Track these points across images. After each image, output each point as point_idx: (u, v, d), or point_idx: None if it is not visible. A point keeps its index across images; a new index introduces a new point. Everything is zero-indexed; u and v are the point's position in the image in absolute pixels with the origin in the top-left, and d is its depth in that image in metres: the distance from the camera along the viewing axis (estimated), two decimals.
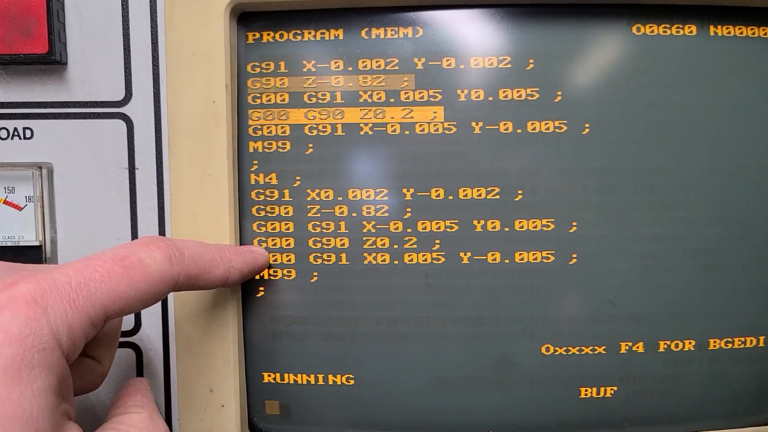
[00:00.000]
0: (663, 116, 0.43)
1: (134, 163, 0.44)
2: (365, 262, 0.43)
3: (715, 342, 0.45)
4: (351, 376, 0.44)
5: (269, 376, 0.45)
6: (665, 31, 0.43)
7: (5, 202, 0.43)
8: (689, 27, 0.43)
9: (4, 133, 0.43)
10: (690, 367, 0.45)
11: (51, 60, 0.42)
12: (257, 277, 0.44)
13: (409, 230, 0.43)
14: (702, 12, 0.43)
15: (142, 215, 0.44)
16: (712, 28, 0.43)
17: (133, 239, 0.44)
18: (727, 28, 0.43)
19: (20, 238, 0.43)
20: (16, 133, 0.44)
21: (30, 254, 0.43)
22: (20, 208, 0.43)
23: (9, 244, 0.43)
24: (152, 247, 0.33)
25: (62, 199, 0.44)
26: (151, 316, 0.45)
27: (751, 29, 0.43)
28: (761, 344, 0.45)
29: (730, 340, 0.45)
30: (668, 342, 0.44)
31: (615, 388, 0.44)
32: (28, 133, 0.44)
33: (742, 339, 0.45)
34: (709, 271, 0.44)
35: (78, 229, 0.44)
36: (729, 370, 0.45)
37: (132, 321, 0.45)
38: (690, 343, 0.44)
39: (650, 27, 0.43)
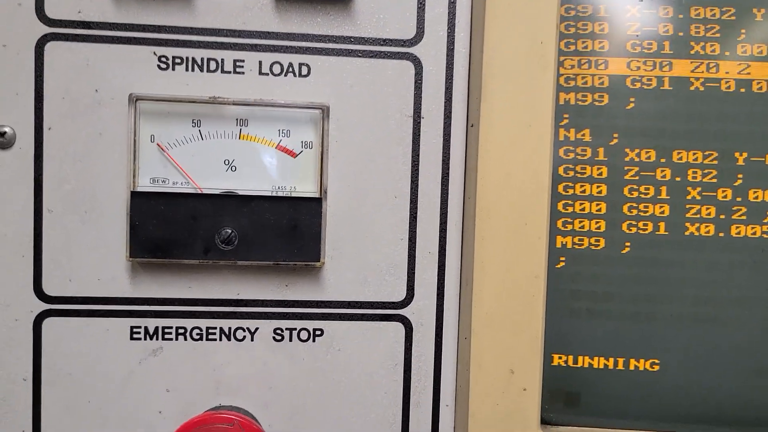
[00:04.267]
0: None
1: (420, 111, 0.39)
2: (686, 234, 0.38)
3: None
4: (656, 361, 0.39)
5: (560, 358, 0.39)
6: None
7: (279, 148, 0.38)
8: None
9: (277, 68, 0.38)
10: None
11: None
12: (558, 245, 0.39)
13: (738, 199, 0.38)
14: None
15: (425, 171, 0.39)
16: None
17: (412, 197, 0.39)
18: None
19: (291, 188, 0.38)
20: (290, 69, 0.38)
21: (310, 208, 0.37)
22: (295, 155, 0.38)
23: (281, 194, 0.38)
24: None
25: (336, 147, 0.39)
26: (427, 285, 0.39)
27: None
28: None
29: None
30: None
31: None
32: (304, 70, 0.38)
33: None
34: None
35: (352, 183, 0.39)
36: None
37: (404, 290, 0.39)
38: None
39: None
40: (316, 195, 0.38)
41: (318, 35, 0.38)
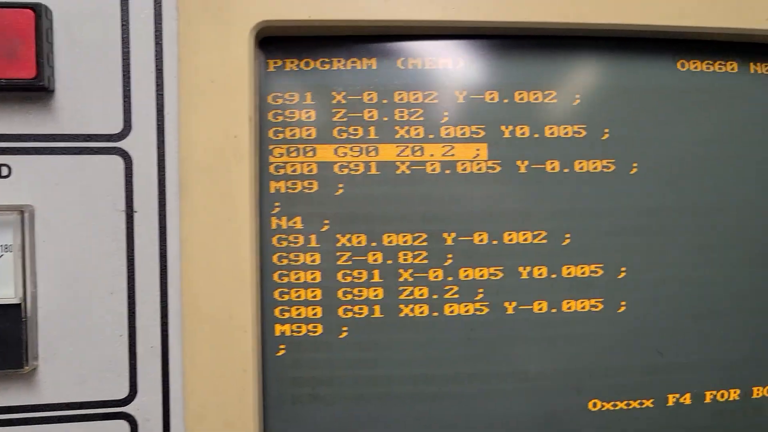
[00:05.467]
0: (709, 153, 0.41)
1: (132, 205, 0.38)
2: (401, 315, 0.39)
3: (758, 390, 0.43)
4: None
5: None
6: (708, 68, 0.41)
7: None
8: (731, 64, 0.41)
9: None
10: (734, 418, 0.42)
11: (38, 86, 0.36)
12: (277, 333, 0.38)
13: (450, 279, 0.39)
14: (742, 49, 0.42)
15: (142, 264, 0.38)
16: (752, 66, 0.42)
17: (129, 293, 0.38)
18: (767, 66, 0.42)
19: None
20: None
21: (8, 315, 0.36)
22: None
23: None
24: None
25: (45, 248, 0.38)
26: (150, 380, 0.39)
27: None
28: None
29: None
30: (714, 392, 0.42)
31: None
32: (4, 171, 0.37)
33: None
34: (757, 316, 0.42)
35: (63, 283, 0.38)
36: None
37: (126, 387, 0.39)
38: (735, 392, 0.42)
39: (694, 63, 0.41)
40: (16, 301, 0.36)
41: (17, 135, 0.37)
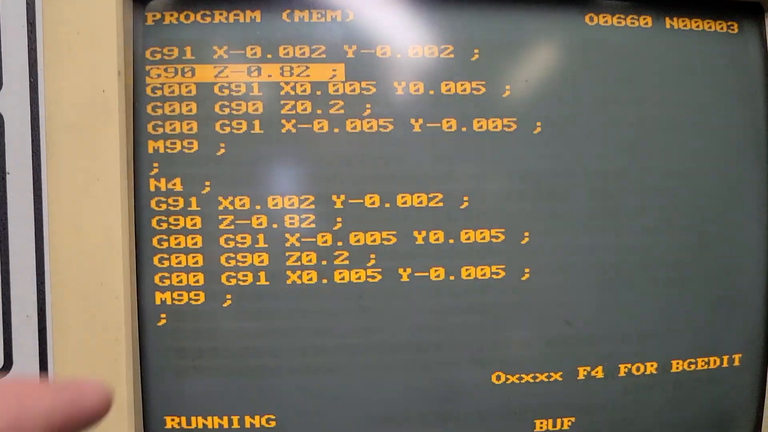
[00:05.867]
0: (618, 113, 0.39)
1: (4, 167, 0.36)
2: (288, 282, 0.37)
3: (678, 363, 0.40)
4: (272, 417, 0.37)
5: (173, 420, 0.37)
6: (620, 22, 0.39)
7: None
8: (644, 18, 0.39)
9: None
10: (652, 392, 0.40)
11: None
12: (158, 301, 0.36)
13: (339, 244, 0.37)
14: (657, 3, 0.39)
15: (15, 230, 0.36)
16: (668, 20, 0.39)
17: (2, 260, 0.36)
18: (684, 21, 0.40)
19: None
20: None
21: None
22: None
23: None
24: None
25: None
26: (26, 351, 0.37)
27: (708, 23, 0.40)
28: (725, 364, 0.41)
29: (693, 360, 0.40)
30: (629, 365, 0.40)
31: (573, 420, 0.39)
32: None
33: (706, 359, 0.41)
34: (669, 285, 0.40)
35: None
36: (692, 394, 0.41)
37: (0, 356, 0.37)
38: (652, 365, 0.40)
39: (604, 17, 0.39)
40: None
41: None
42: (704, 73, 0.40)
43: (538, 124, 0.38)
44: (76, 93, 0.34)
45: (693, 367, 0.41)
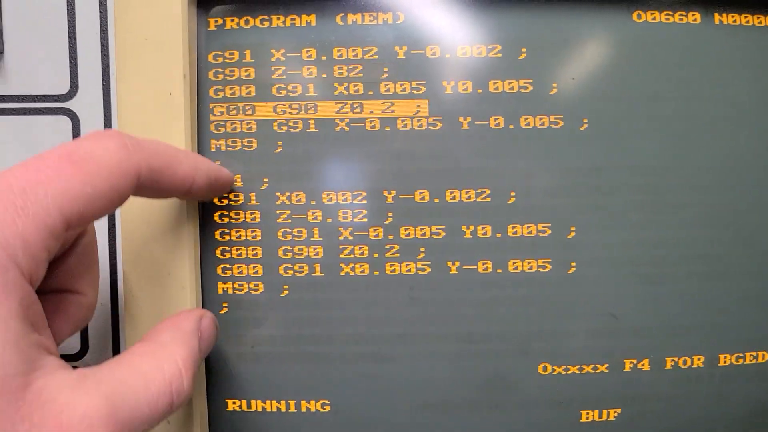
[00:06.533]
0: (665, 111, 0.39)
1: None
2: (342, 274, 0.38)
3: (725, 357, 0.41)
4: (326, 402, 0.39)
5: (234, 403, 0.39)
6: (668, 19, 0.39)
7: None
8: (693, 14, 0.39)
9: None
10: (699, 385, 0.41)
11: None
12: (220, 291, 0.39)
13: (390, 237, 0.38)
14: None
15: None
16: (717, 16, 0.40)
17: None
18: (733, 17, 0.40)
19: None
20: None
21: None
22: None
23: None
24: (103, 138, 0.28)
25: None
26: (100, 334, 0.39)
27: (758, 18, 0.40)
28: None
29: (741, 354, 0.41)
30: (676, 358, 0.40)
31: (618, 411, 0.40)
32: None
33: (754, 354, 0.41)
34: (714, 279, 0.40)
35: None
36: (740, 388, 0.41)
37: (78, 342, 0.40)
38: (699, 359, 0.40)
39: (652, 14, 0.39)
40: None
41: None
42: (753, 69, 0.40)
43: (585, 120, 0.38)
44: (145, 96, 0.36)
45: (741, 361, 0.41)
